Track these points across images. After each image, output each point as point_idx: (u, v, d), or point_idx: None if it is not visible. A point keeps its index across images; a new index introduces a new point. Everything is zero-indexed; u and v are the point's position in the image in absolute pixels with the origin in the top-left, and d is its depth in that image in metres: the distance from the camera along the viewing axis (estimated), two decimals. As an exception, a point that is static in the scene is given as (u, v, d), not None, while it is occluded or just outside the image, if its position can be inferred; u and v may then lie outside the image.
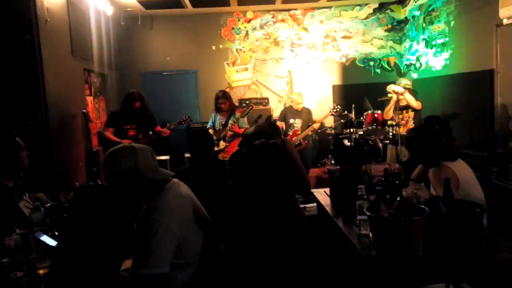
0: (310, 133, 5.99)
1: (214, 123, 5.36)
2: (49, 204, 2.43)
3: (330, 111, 6.02)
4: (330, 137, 6.78)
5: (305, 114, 6.09)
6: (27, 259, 2.01)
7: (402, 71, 7.66)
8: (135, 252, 1.80)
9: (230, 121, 5.14)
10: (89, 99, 5.54)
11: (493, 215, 2.56)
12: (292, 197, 2.18)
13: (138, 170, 1.82)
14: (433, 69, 6.46)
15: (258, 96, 7.55)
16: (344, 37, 7.65)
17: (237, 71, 7.60)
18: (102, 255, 1.74)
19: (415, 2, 6.97)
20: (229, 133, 5.15)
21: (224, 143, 5.18)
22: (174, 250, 1.78)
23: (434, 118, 3.77)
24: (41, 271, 1.94)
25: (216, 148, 5.12)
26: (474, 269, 1.85)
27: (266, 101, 7.30)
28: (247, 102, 7.13)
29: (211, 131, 5.28)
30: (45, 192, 2.88)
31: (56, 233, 2.16)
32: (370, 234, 2.15)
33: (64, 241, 1.80)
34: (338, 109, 5.98)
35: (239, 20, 7.53)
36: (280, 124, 6.06)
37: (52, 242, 2.02)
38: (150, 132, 4.94)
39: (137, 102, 4.84)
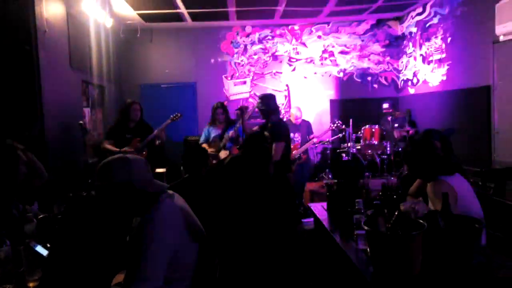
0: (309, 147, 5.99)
1: (208, 137, 5.24)
2: (41, 216, 2.40)
3: (331, 127, 6.05)
4: (328, 152, 6.78)
5: (304, 128, 6.09)
6: (18, 271, 1.96)
7: (399, 86, 7.70)
8: (127, 265, 1.76)
9: (227, 134, 5.05)
10: (87, 110, 5.53)
11: (491, 231, 2.53)
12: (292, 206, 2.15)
13: (132, 182, 1.79)
14: (430, 85, 6.49)
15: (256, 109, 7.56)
16: (342, 52, 7.71)
17: (235, 84, 7.63)
18: (93, 268, 1.70)
19: (412, 18, 7.05)
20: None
21: (225, 152, 5.03)
22: (168, 263, 1.74)
23: (435, 132, 3.74)
24: (31, 284, 1.90)
25: (214, 162, 5.02)
26: (472, 285, 1.82)
27: (264, 114, 7.29)
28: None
29: (205, 145, 5.20)
30: (40, 203, 2.83)
31: (48, 245, 2.12)
32: (368, 249, 2.12)
33: (54, 253, 1.76)
34: (338, 124, 6.03)
35: (237, 34, 7.59)
36: None
37: (45, 253, 1.99)
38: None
39: (137, 104, 4.82)
